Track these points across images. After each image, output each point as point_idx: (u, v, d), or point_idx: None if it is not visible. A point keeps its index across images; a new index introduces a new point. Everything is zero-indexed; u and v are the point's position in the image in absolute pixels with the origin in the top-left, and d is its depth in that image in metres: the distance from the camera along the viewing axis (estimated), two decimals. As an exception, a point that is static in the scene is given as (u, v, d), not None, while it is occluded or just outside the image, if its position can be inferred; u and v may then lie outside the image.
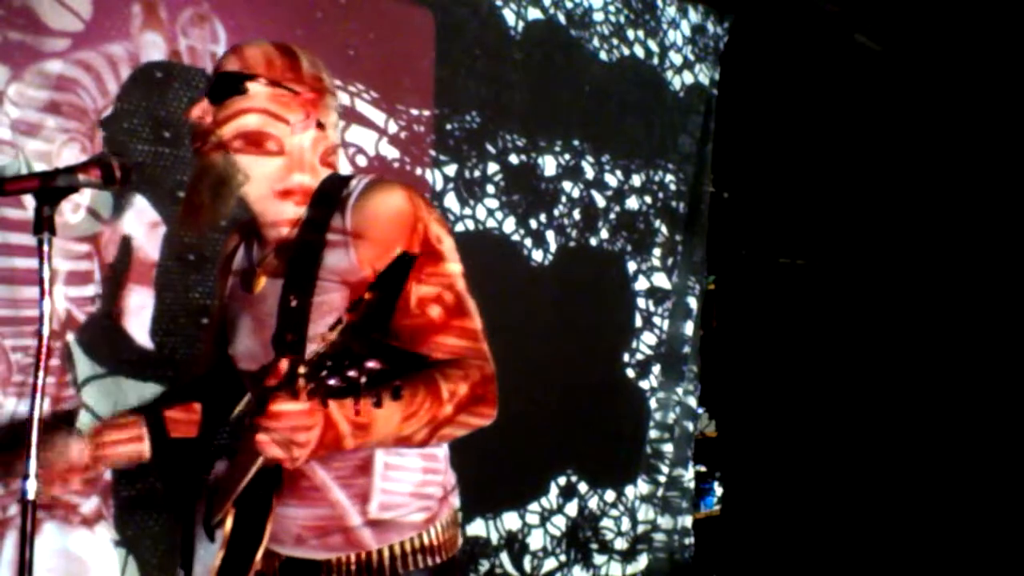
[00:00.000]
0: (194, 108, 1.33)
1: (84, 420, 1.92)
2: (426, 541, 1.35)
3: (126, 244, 2.00)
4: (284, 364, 1.10)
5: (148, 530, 2.02)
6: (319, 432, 1.09)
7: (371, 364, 1.04)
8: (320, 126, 1.35)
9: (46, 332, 1.19)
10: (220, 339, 1.49)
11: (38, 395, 1.17)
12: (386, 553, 1.32)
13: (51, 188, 1.23)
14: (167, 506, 2.02)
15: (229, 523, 1.24)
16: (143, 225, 2.02)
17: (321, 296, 1.26)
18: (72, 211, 1.90)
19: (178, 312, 2.08)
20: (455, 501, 1.45)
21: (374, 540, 1.32)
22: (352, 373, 0.95)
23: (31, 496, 1.17)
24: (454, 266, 1.31)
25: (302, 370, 1.00)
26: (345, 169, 2.35)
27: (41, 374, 1.18)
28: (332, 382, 0.96)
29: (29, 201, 1.31)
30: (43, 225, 1.22)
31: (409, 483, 1.35)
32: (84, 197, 1.91)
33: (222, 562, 1.20)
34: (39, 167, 1.80)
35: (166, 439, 1.47)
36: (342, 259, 1.27)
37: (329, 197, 1.32)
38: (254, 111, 1.31)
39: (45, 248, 1.20)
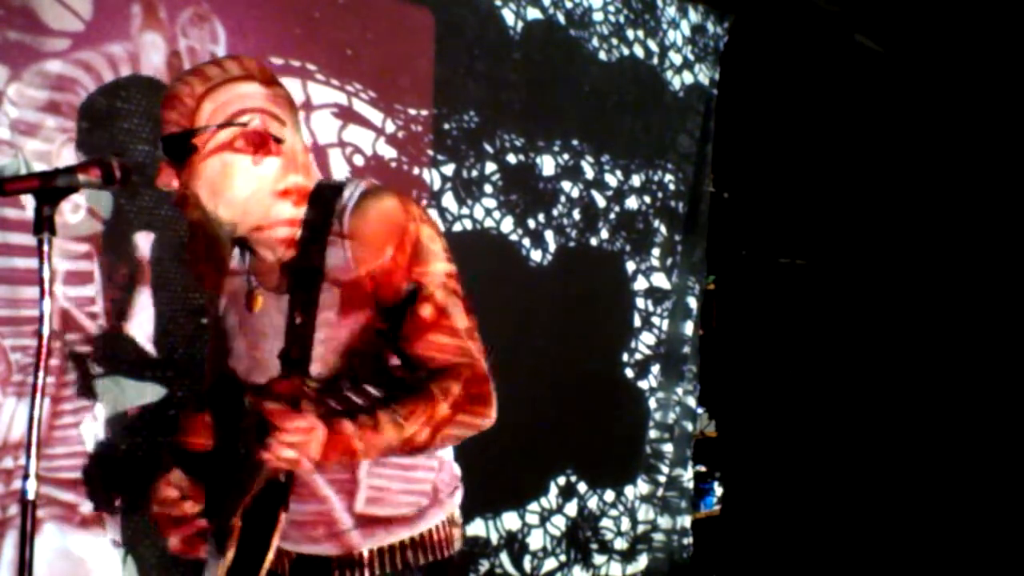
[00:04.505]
0: (159, 178, 1.30)
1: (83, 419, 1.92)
2: (416, 537, 1.36)
3: (126, 244, 2.00)
4: (291, 381, 1.20)
5: (148, 530, 2.01)
6: (320, 443, 1.16)
7: (371, 391, 1.17)
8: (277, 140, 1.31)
9: (46, 332, 1.19)
10: (219, 353, 1.47)
11: (38, 395, 1.17)
12: (375, 551, 1.34)
13: (51, 188, 1.23)
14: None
15: (236, 535, 1.25)
16: (142, 225, 2.02)
17: (323, 312, 1.28)
18: (72, 211, 1.90)
19: (177, 312, 2.08)
20: (456, 500, 1.45)
21: (361, 539, 1.33)
22: (354, 397, 1.02)
23: (31, 496, 1.17)
24: (443, 265, 1.32)
25: (309, 387, 1.10)
26: (339, 170, 2.37)
27: (41, 374, 1.18)
28: (333, 403, 1.04)
29: (29, 201, 1.31)
30: (43, 225, 1.21)
31: (396, 478, 1.36)
32: (84, 197, 1.91)
33: (228, 573, 1.21)
34: (39, 167, 1.80)
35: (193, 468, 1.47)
36: (339, 259, 1.28)
37: (324, 206, 1.32)
38: (210, 156, 1.28)
39: (45, 248, 1.20)
